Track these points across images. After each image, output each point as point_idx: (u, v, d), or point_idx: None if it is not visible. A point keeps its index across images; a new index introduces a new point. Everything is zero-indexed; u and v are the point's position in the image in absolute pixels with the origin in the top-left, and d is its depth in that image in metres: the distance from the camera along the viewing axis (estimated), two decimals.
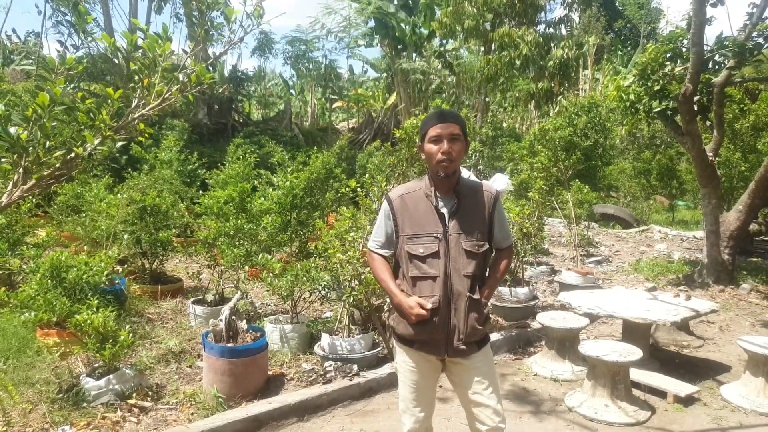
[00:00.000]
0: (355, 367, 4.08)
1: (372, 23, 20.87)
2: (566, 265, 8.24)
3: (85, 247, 5.78)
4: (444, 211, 2.29)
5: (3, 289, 3.84)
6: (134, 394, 3.63)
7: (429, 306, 2.20)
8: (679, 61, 7.08)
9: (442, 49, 20.85)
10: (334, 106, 27.78)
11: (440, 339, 2.27)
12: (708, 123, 7.56)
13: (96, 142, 1.92)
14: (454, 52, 21.13)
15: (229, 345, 3.78)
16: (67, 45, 18.08)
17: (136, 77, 2.04)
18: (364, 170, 11.49)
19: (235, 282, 5.31)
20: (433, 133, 2.26)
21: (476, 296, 2.27)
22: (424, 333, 2.26)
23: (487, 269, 2.40)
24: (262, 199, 5.32)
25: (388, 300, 2.51)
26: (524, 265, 6.40)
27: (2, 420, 3.17)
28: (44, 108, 1.78)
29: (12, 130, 1.75)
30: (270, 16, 2.12)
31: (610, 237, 11.43)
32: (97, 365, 3.75)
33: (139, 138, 2.25)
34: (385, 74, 23.76)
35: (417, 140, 5.40)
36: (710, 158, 7.07)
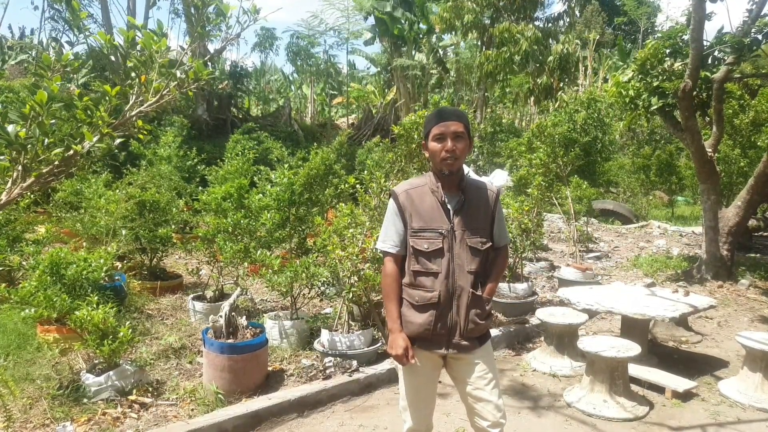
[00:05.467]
0: (354, 362, 4.09)
1: (371, 20, 20.82)
2: (565, 261, 8.25)
3: (84, 244, 5.78)
4: (449, 206, 2.29)
5: (3, 285, 3.84)
6: (134, 390, 3.64)
7: (412, 362, 2.25)
8: (678, 57, 7.07)
9: (441, 44, 20.79)
10: (334, 101, 27.74)
11: (442, 335, 2.28)
12: (707, 119, 7.55)
13: (95, 139, 1.92)
14: (453, 48, 21.08)
15: (229, 341, 3.78)
16: (62, 42, 18.00)
17: (133, 74, 2.04)
18: (363, 166, 11.47)
19: (235, 278, 5.32)
20: (436, 131, 2.25)
21: (479, 292, 2.29)
22: (426, 331, 2.27)
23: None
24: (260, 195, 5.31)
25: None
26: (523, 261, 6.40)
27: (3, 416, 3.18)
28: (42, 105, 1.78)
29: (10, 127, 1.75)
30: (267, 11, 2.12)
31: (609, 233, 11.45)
32: (97, 361, 3.76)
33: (138, 135, 2.25)
34: (384, 70, 23.71)
35: (416, 137, 5.41)
36: (709, 154, 7.07)
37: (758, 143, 9.69)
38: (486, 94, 17.45)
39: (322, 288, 4.69)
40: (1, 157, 1.85)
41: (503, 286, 5.70)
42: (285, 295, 4.67)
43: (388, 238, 2.36)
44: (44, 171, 1.90)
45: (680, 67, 6.94)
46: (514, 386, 4.21)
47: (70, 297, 3.82)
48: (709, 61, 6.96)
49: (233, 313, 3.95)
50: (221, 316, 3.87)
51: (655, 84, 6.94)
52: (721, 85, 6.82)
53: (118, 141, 2.10)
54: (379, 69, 24.26)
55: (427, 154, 2.35)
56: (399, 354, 2.24)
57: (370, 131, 20.82)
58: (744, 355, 4.12)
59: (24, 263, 5.10)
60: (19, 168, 1.83)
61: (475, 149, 14.95)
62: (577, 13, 16.03)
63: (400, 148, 5.55)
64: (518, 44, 14.30)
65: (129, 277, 5.81)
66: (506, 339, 5.10)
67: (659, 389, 4.06)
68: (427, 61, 19.79)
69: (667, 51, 7.12)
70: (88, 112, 1.91)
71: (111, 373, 3.60)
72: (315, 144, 13.48)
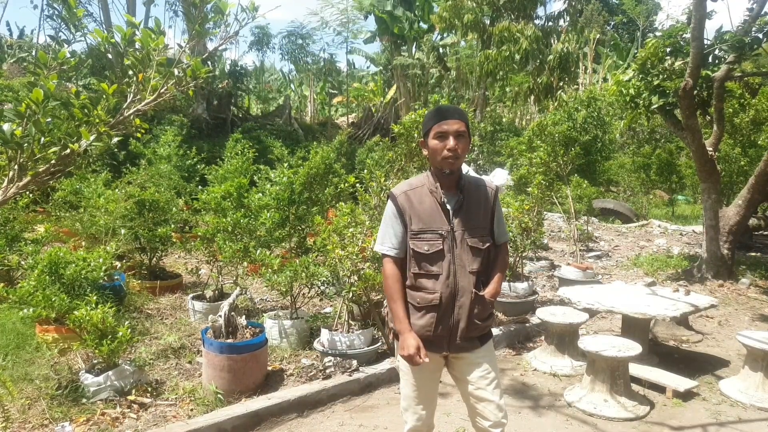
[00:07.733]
0: (354, 362, 4.08)
1: (371, 19, 20.80)
2: (566, 260, 8.24)
3: (83, 243, 5.77)
4: (448, 207, 2.27)
5: (2, 285, 3.82)
6: (133, 390, 3.63)
7: (422, 361, 2.16)
8: (679, 56, 7.05)
9: (440, 43, 20.76)
10: (334, 100, 27.71)
11: (443, 336, 2.26)
12: (708, 118, 7.54)
13: (92, 138, 1.90)
14: (453, 47, 21.05)
15: (229, 341, 3.77)
16: (59, 40, 17.93)
17: (131, 72, 2.02)
18: (363, 165, 11.45)
19: (234, 278, 5.30)
20: (438, 129, 2.22)
21: (481, 293, 2.26)
22: (427, 332, 2.24)
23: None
24: (260, 194, 5.30)
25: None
26: (524, 260, 6.39)
27: (2, 416, 3.17)
28: (38, 103, 1.76)
29: (6, 126, 1.73)
30: (265, 8, 2.10)
31: (610, 232, 11.43)
32: (96, 361, 3.74)
33: (136, 134, 2.23)
34: (384, 69, 23.69)
35: (416, 135, 5.39)
36: (710, 153, 7.06)
37: (759, 142, 9.68)
38: (486, 93, 17.41)
39: (322, 287, 4.67)
40: None
41: (504, 285, 5.68)
42: (285, 295, 4.66)
43: (386, 240, 2.31)
44: (41, 170, 1.88)
45: (681, 66, 6.92)
46: (515, 386, 4.20)
47: (69, 296, 3.80)
48: (710, 59, 6.94)
49: (233, 313, 3.94)
50: (221, 316, 3.86)
51: (655, 83, 6.93)
52: (721, 83, 6.80)
53: (116, 140, 2.08)
54: (380, 68, 24.24)
55: (425, 153, 2.31)
56: (412, 354, 2.17)
57: (370, 130, 20.81)
58: (745, 355, 4.11)
59: (23, 263, 5.08)
60: (15, 167, 1.82)
61: (475, 148, 14.94)
62: (577, 12, 15.96)
63: (400, 147, 5.53)
64: (518, 43, 14.26)
65: (128, 277, 5.80)
66: (507, 338, 5.08)
67: (660, 389, 4.05)
68: (427, 60, 19.75)
69: (668, 50, 7.11)
70: (86, 111, 1.89)
71: (110, 373, 3.59)
72: (315, 143, 13.44)
